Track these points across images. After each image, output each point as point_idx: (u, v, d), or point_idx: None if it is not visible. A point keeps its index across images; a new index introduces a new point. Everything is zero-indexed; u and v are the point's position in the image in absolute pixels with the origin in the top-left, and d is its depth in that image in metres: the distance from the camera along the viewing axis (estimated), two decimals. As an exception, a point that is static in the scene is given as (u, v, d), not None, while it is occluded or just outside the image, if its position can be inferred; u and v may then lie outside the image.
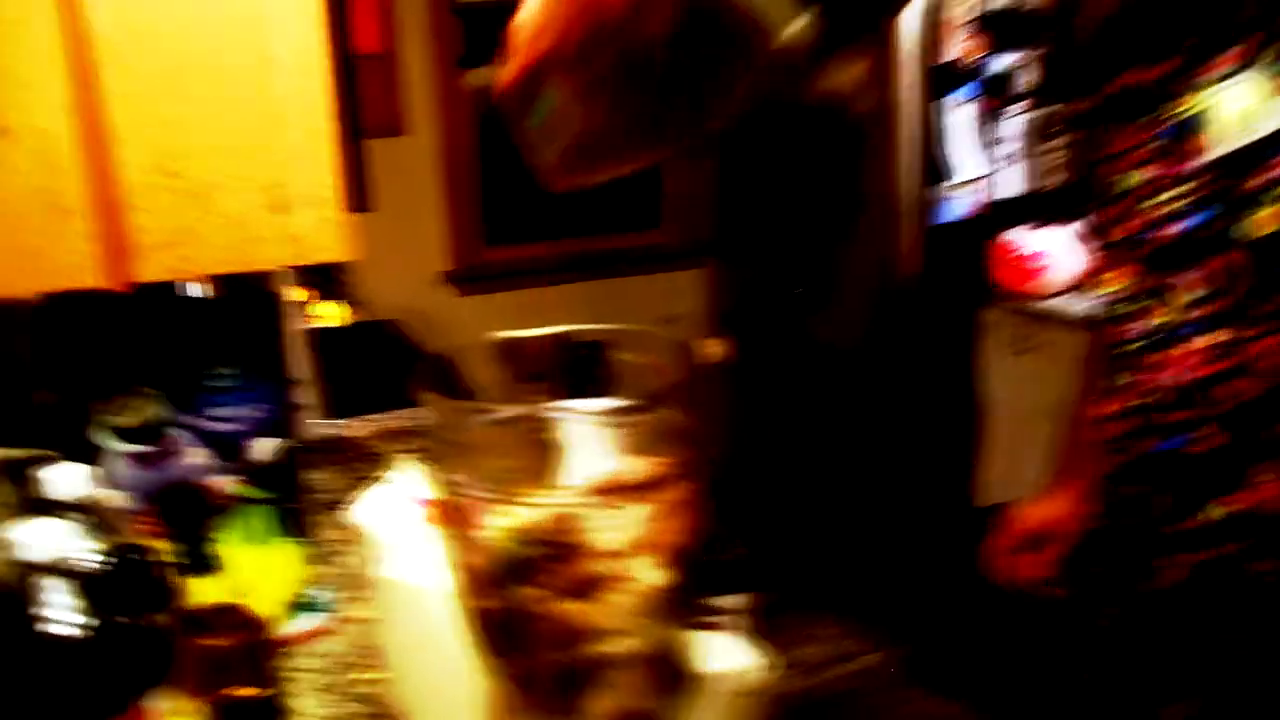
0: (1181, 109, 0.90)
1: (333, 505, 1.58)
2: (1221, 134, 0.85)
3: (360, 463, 1.74)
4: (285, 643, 1.18)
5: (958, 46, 2.74)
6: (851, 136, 3.02)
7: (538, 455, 0.70)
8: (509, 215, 3.62)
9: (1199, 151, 0.88)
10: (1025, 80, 2.84)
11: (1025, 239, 2.79)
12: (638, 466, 0.65)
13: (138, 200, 1.04)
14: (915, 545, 3.13)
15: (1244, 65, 0.85)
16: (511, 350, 0.68)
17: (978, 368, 2.98)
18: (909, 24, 2.77)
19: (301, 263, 1.12)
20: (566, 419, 0.69)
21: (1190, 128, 0.89)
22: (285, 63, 1.06)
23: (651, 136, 0.56)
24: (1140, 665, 1.08)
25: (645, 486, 0.63)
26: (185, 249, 1.07)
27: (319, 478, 1.68)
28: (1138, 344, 0.94)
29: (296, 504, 1.34)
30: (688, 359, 0.62)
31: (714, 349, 0.60)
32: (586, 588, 0.59)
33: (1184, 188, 0.88)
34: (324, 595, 1.26)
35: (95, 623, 0.74)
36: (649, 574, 0.60)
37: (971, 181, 2.89)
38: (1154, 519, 0.95)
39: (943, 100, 2.78)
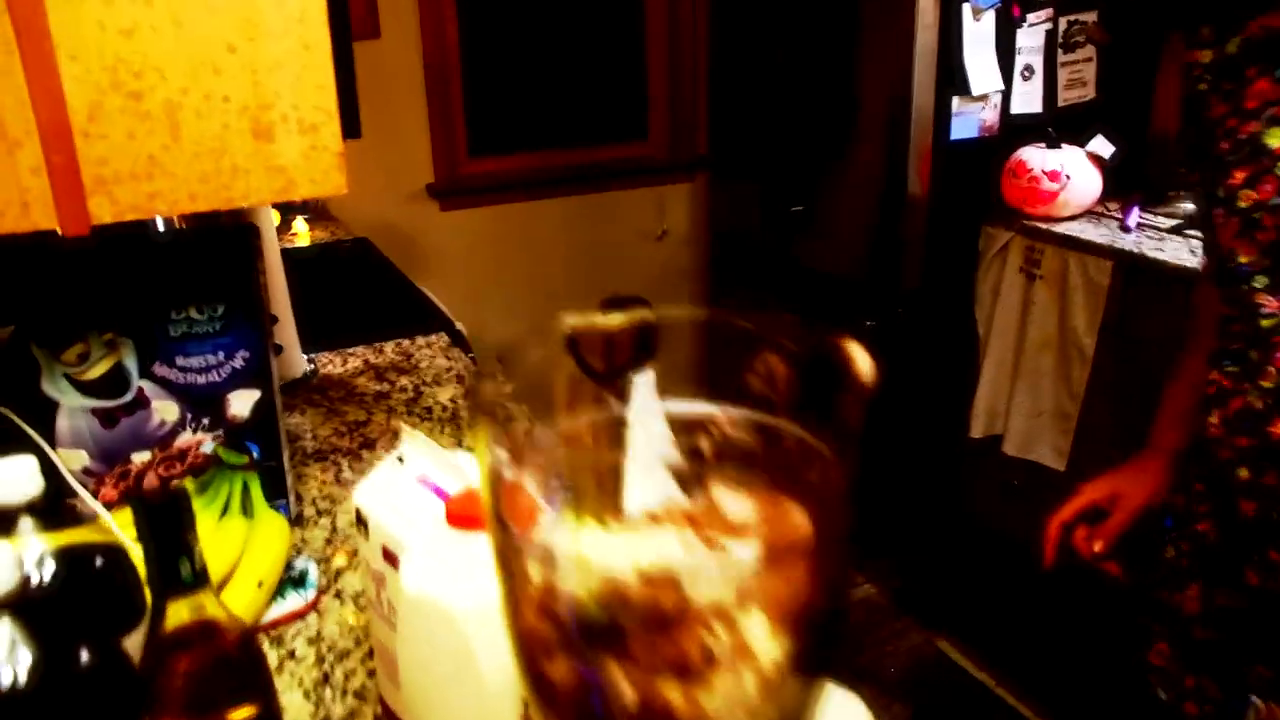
0: None
1: (317, 455, 1.44)
2: None
3: (345, 404, 1.60)
4: (272, 626, 1.05)
5: (980, -51, 2.56)
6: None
7: (608, 475, 0.56)
8: (491, 125, 3.41)
9: None
10: (1049, -13, 2.67)
11: (1041, 158, 2.65)
12: (748, 497, 0.52)
13: (92, 125, 0.87)
14: (906, 476, 3.04)
15: None
16: (583, 339, 0.54)
17: (978, 293, 2.86)
18: (928, -77, 2.58)
19: (290, 198, 0.96)
20: (647, 427, 0.56)
21: None
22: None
23: None
24: (1229, 656, 0.99)
25: (761, 524, 0.50)
26: (151, 183, 0.90)
27: (300, 423, 1.54)
28: (1275, 319, 0.83)
29: (279, 463, 1.20)
30: (828, 363, 0.48)
31: (863, 362, 0.47)
32: (690, 664, 0.46)
33: None
34: (313, 567, 1.13)
35: (49, 660, 0.60)
36: (768, 644, 0.47)
37: (987, 96, 2.72)
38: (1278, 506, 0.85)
39: (962, 6, 2.60)
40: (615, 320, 0.54)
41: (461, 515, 0.71)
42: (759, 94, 3.31)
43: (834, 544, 0.47)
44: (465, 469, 0.81)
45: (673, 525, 0.52)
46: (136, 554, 0.68)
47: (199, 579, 0.65)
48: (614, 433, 0.56)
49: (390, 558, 0.79)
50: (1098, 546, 1.12)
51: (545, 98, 3.67)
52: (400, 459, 0.86)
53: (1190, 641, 1.02)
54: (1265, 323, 0.84)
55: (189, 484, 1.10)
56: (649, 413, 0.56)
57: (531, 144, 3.49)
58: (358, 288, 2.23)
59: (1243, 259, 0.86)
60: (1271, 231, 0.83)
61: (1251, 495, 0.88)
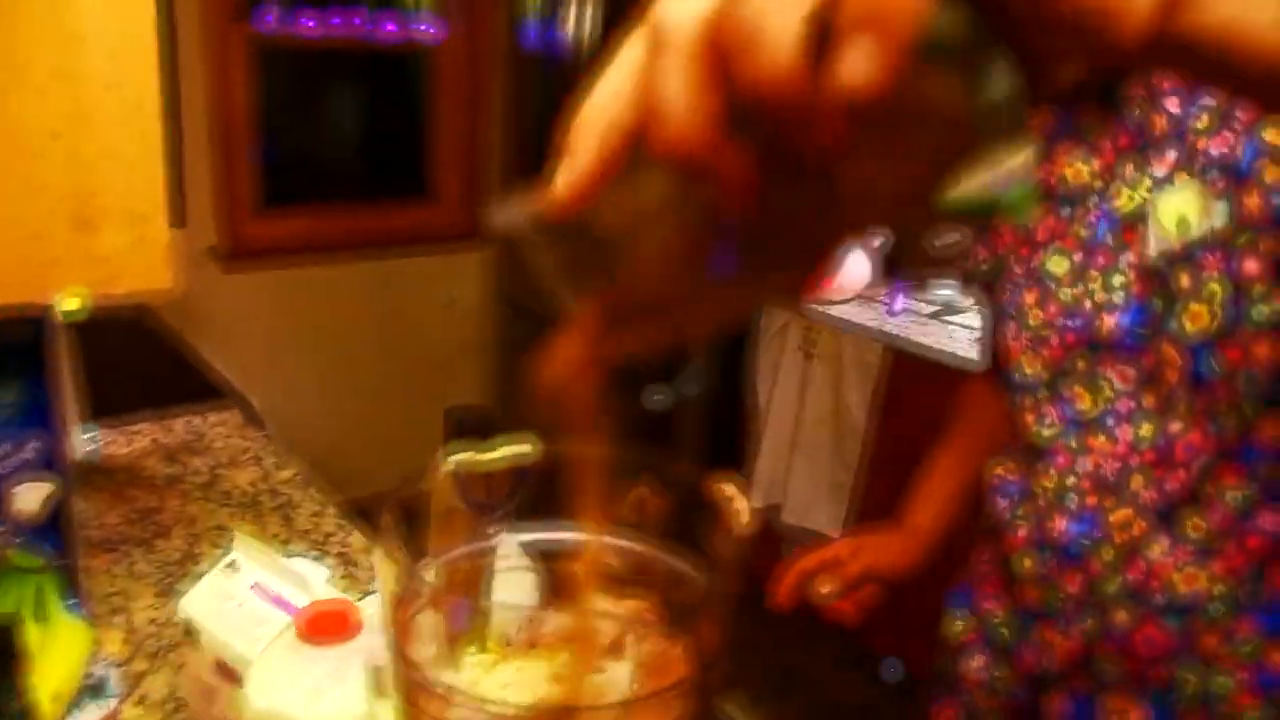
0: (1117, 203, 0.90)
1: (106, 546, 1.35)
2: (1158, 234, 0.85)
3: (133, 489, 1.51)
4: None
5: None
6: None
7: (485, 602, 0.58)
8: (280, 186, 3.31)
9: (1132, 247, 0.88)
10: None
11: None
12: (620, 616, 0.55)
13: (-106, 209, 0.81)
14: (686, 541, 3.14)
15: (1176, 170, 0.86)
16: (464, 474, 0.56)
17: (760, 370, 3.01)
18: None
19: (111, 291, 0.92)
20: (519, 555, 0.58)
21: (1125, 223, 0.89)
22: (99, 38, 0.86)
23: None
24: None
25: (634, 644, 0.54)
26: (-45, 271, 0.85)
27: (83, 510, 1.44)
28: (1056, 428, 0.94)
29: (73, 561, 1.13)
30: (702, 501, 0.52)
31: (739, 505, 0.49)
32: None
33: (1117, 280, 0.88)
34: (113, 674, 1.06)
35: None
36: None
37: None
38: (1058, 593, 0.95)
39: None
40: (496, 458, 0.56)
41: (314, 630, 0.70)
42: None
43: (705, 663, 0.51)
44: (306, 577, 0.80)
45: (553, 651, 0.55)
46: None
47: (26, 717, 0.62)
48: (489, 561, 0.57)
49: (226, 672, 0.77)
50: (825, 588, 1.22)
51: (335, 161, 3.62)
52: (232, 566, 0.84)
53: (975, 709, 1.12)
54: (1047, 431, 0.95)
55: (-27, 587, 1.01)
56: (520, 540, 0.58)
57: (320, 208, 3.42)
58: (140, 358, 2.11)
59: (1029, 370, 0.97)
60: (1057, 349, 0.94)
61: (1034, 584, 0.98)
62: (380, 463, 3.11)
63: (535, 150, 3.49)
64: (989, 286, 1.07)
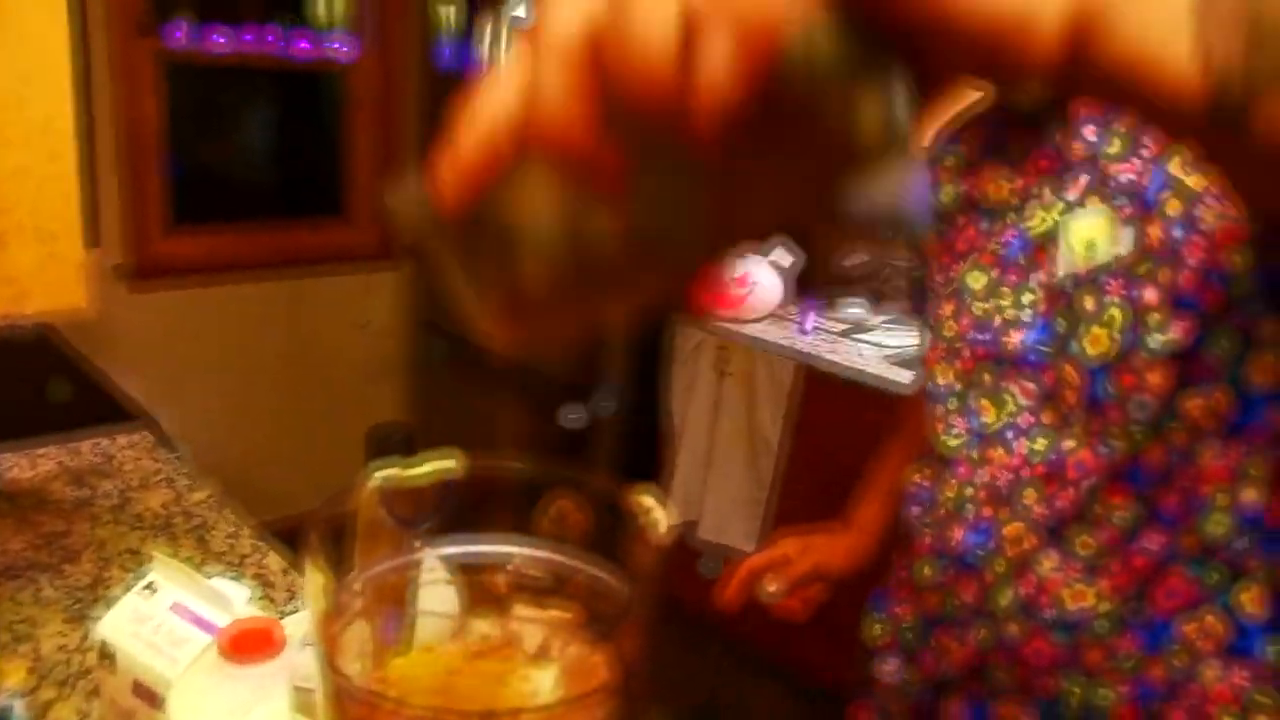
0: (1030, 224, 0.93)
1: (9, 573, 1.32)
2: (1067, 255, 0.88)
3: (38, 514, 1.48)
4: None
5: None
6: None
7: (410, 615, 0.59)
8: (190, 204, 3.25)
9: (1043, 267, 0.91)
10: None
11: (729, 265, 2.88)
12: (544, 627, 0.57)
13: None
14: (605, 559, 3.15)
15: (1087, 194, 0.88)
16: (394, 493, 0.57)
17: (674, 388, 3.05)
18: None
19: (21, 311, 0.91)
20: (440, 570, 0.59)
21: (1037, 243, 0.92)
22: (11, 59, 0.85)
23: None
24: None
25: (559, 653, 0.55)
26: None
27: (-13, 534, 1.40)
28: (961, 438, 0.96)
29: (-22, 585, 1.10)
30: (620, 512, 0.54)
31: (658, 515, 0.51)
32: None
33: (1027, 298, 0.91)
34: (18, 705, 1.04)
35: None
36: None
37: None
38: (955, 601, 0.98)
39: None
40: (421, 473, 0.57)
41: (238, 648, 0.70)
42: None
43: (628, 669, 0.53)
44: (228, 596, 0.80)
45: (479, 658, 0.56)
46: None
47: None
48: (415, 574, 0.59)
49: (146, 694, 0.76)
50: (772, 586, 1.24)
51: (247, 179, 3.57)
52: (150, 587, 0.83)
53: (887, 712, 1.15)
54: (953, 441, 0.98)
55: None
56: (442, 554, 0.59)
57: (231, 226, 3.37)
58: (43, 379, 2.05)
59: (941, 381, 1.00)
60: (969, 361, 0.97)
61: (933, 591, 1.01)
62: (295, 485, 3.06)
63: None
64: (921, 293, 1.09)
